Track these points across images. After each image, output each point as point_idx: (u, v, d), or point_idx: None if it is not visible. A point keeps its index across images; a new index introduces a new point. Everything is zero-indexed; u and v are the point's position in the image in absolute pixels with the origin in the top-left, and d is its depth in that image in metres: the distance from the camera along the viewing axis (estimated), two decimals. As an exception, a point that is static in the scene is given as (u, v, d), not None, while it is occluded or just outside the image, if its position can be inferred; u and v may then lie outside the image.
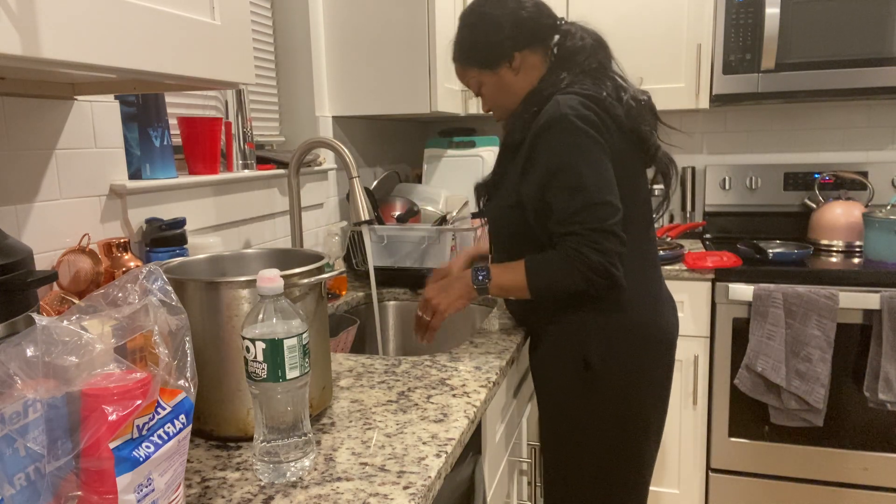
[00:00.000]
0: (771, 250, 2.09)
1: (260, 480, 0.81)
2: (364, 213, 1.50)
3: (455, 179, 2.34)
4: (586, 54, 1.29)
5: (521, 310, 1.41)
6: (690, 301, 2.08)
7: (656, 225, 2.56)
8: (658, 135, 1.31)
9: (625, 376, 1.26)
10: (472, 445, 1.11)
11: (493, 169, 1.37)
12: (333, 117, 2.09)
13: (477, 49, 1.33)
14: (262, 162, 1.76)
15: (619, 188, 1.21)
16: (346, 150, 1.52)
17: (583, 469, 1.30)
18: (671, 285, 2.08)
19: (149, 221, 1.27)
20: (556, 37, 1.33)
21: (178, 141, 1.54)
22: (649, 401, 1.29)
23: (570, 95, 1.22)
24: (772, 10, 2.10)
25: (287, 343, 0.79)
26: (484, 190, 1.40)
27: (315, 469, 0.83)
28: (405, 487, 0.78)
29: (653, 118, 1.32)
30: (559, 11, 2.32)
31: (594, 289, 1.19)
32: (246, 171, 1.66)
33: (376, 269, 1.73)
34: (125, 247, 1.16)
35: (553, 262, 1.21)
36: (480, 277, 1.28)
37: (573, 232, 1.18)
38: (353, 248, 1.96)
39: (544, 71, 1.33)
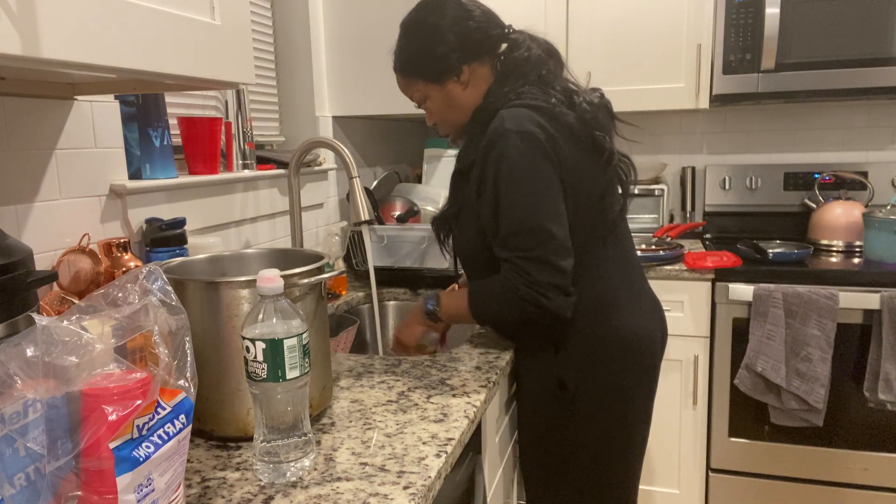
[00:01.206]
0: (771, 250, 2.09)
1: (260, 480, 0.81)
2: (364, 213, 1.50)
3: (455, 179, 2.33)
4: (532, 65, 1.23)
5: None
6: (690, 301, 2.08)
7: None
8: (614, 136, 1.25)
9: (603, 392, 1.22)
10: (472, 445, 1.11)
11: (449, 200, 1.30)
12: (333, 117, 2.09)
13: (422, 61, 1.26)
14: (262, 162, 1.77)
15: (580, 197, 1.17)
16: (345, 151, 1.52)
17: (566, 492, 1.28)
18: (671, 285, 2.08)
19: (149, 221, 1.27)
20: (504, 46, 1.26)
21: (178, 141, 1.54)
22: (632, 414, 1.25)
23: (516, 109, 1.16)
24: (772, 10, 2.10)
25: (287, 343, 0.79)
26: (445, 224, 1.33)
27: (315, 469, 0.83)
28: (405, 487, 0.78)
29: (609, 119, 1.26)
30: (559, 12, 2.33)
31: (532, 321, 1.15)
32: (246, 171, 1.66)
33: (376, 269, 1.73)
34: (125, 247, 1.16)
35: (493, 291, 1.18)
36: (430, 306, 1.28)
37: (505, 259, 1.15)
38: (353, 248, 1.96)
39: (492, 83, 1.26)
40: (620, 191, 1.26)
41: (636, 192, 2.50)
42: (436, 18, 1.24)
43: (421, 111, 2.03)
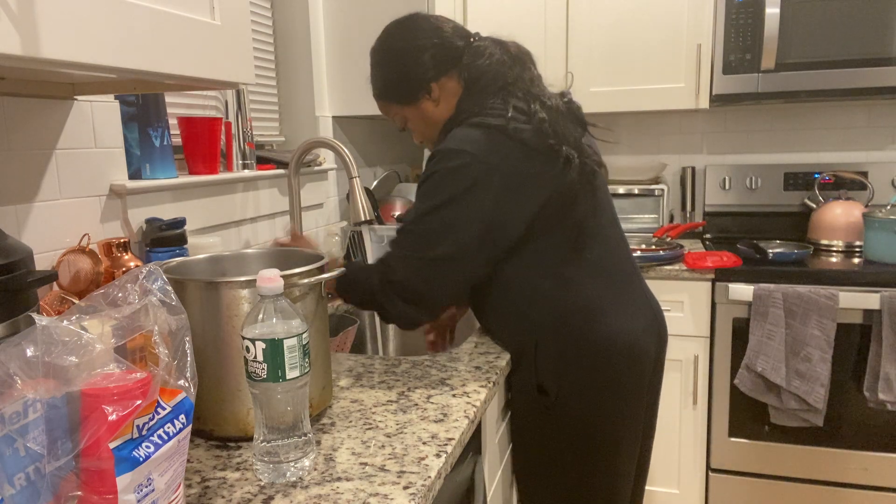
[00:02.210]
0: (771, 250, 2.09)
1: (260, 480, 0.81)
2: (364, 213, 1.50)
3: (455, 179, 2.33)
4: (493, 72, 1.22)
5: (486, 327, 1.35)
6: (690, 301, 2.08)
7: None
8: (581, 140, 1.21)
9: (584, 398, 1.21)
10: (472, 445, 1.11)
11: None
12: (333, 117, 2.09)
13: (393, 86, 1.30)
14: (262, 162, 1.77)
15: (538, 209, 1.15)
16: (345, 151, 1.52)
17: (554, 495, 1.27)
18: (671, 285, 2.08)
19: (149, 221, 1.27)
20: (467, 56, 1.26)
21: (178, 141, 1.54)
22: (616, 419, 1.24)
23: (465, 129, 1.18)
24: (772, 10, 2.10)
25: (287, 343, 0.79)
26: None
27: (315, 469, 0.83)
28: (405, 487, 0.78)
29: (574, 125, 1.24)
30: (559, 12, 2.33)
31: (380, 311, 1.19)
32: (246, 171, 1.66)
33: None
34: (125, 247, 1.16)
35: (363, 272, 1.19)
36: None
37: (385, 254, 1.19)
38: (353, 248, 1.96)
39: (460, 95, 1.27)
40: (587, 194, 1.23)
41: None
42: (400, 42, 1.28)
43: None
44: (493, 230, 1.16)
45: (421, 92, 1.27)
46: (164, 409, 0.64)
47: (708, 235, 2.60)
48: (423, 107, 1.29)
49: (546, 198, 1.16)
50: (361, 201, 1.50)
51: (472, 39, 1.28)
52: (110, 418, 0.57)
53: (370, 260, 1.55)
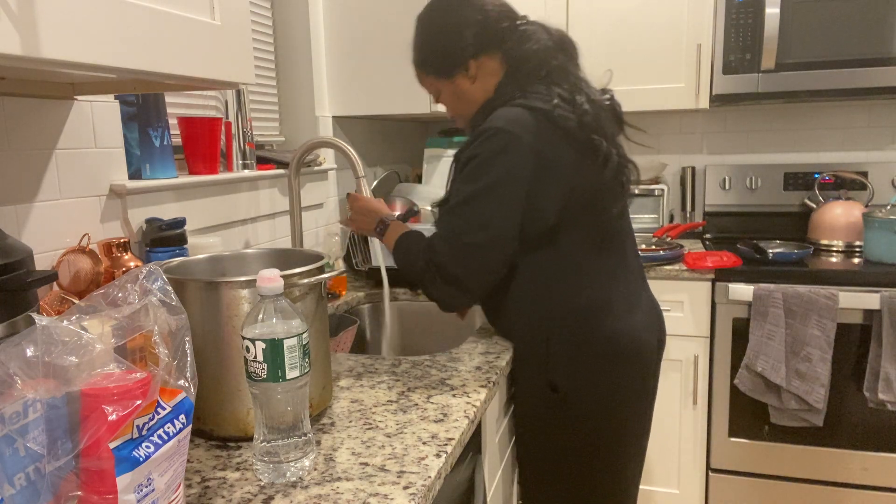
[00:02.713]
0: (771, 250, 2.09)
1: (260, 480, 0.81)
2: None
3: (455, 179, 2.33)
4: (539, 58, 1.22)
5: (492, 324, 1.36)
6: (690, 301, 2.08)
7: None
8: (618, 139, 1.23)
9: (595, 395, 1.22)
10: (472, 445, 1.11)
11: (448, 188, 1.32)
12: (333, 117, 2.09)
13: (432, 57, 1.30)
14: (262, 162, 1.77)
15: (573, 198, 1.16)
16: (351, 150, 1.52)
17: (558, 493, 1.28)
18: (671, 285, 2.08)
19: (149, 221, 1.27)
20: (513, 38, 1.25)
21: (178, 141, 1.54)
22: (623, 417, 1.24)
23: (512, 109, 1.17)
24: (772, 10, 2.10)
25: (287, 343, 0.79)
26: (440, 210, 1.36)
27: (315, 469, 0.83)
28: (405, 487, 0.78)
29: (614, 122, 1.25)
30: (559, 12, 2.33)
31: (423, 290, 1.21)
32: (246, 171, 1.66)
33: (376, 269, 1.73)
34: (125, 247, 1.16)
35: (417, 245, 1.21)
36: (379, 229, 1.34)
37: (434, 233, 1.19)
38: (353, 248, 1.96)
39: (501, 77, 1.26)
40: (619, 194, 1.23)
41: (635, 192, 2.50)
42: (447, 15, 1.26)
43: (420, 112, 2.04)
44: (528, 214, 1.16)
45: (458, 67, 1.26)
46: (164, 409, 0.64)
47: (708, 235, 2.60)
48: (458, 82, 1.28)
49: (575, 187, 1.17)
50: (363, 201, 1.49)
51: (519, 22, 1.28)
52: (110, 418, 0.57)
53: (374, 257, 1.55)
